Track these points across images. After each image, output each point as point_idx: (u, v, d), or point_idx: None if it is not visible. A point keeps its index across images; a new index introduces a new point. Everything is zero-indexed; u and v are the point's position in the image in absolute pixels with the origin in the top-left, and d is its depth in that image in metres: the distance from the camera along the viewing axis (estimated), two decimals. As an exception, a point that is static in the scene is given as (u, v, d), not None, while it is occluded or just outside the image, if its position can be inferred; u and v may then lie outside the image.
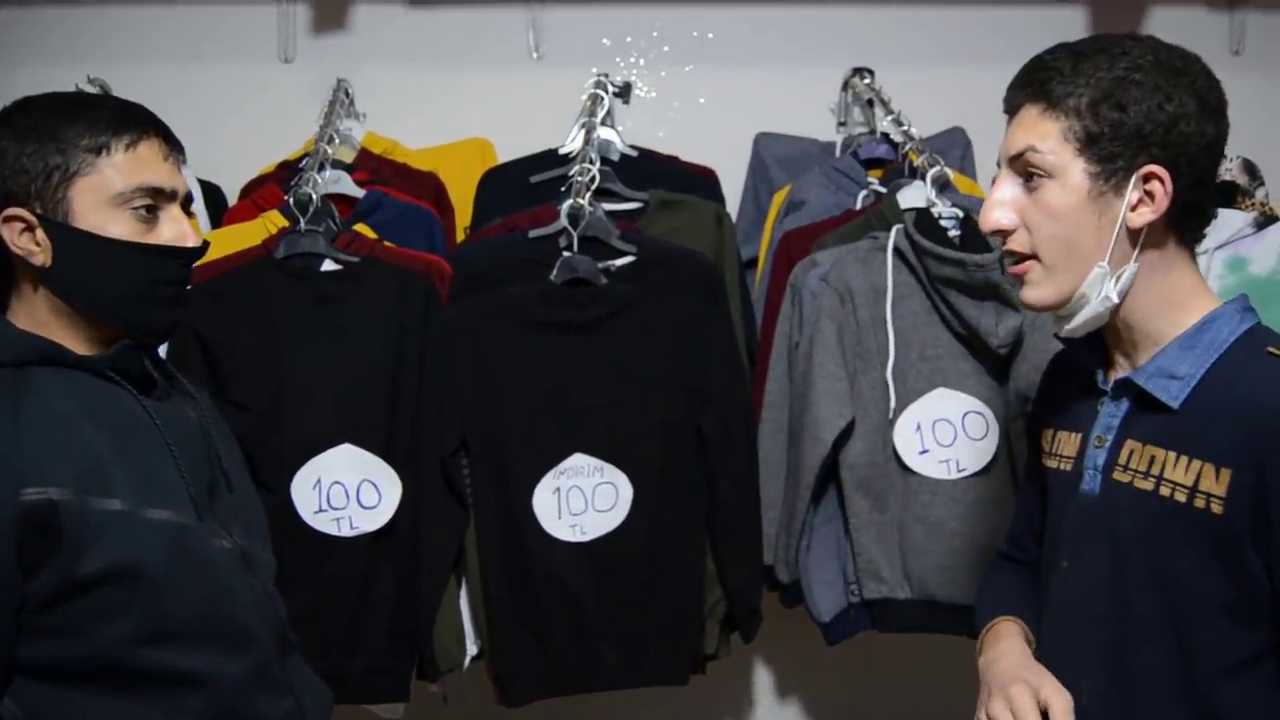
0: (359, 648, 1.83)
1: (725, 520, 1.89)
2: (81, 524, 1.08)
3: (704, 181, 2.13)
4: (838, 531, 1.92)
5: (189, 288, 1.26)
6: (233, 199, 2.14)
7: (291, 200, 1.88)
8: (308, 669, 1.34)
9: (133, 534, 1.11)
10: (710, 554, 1.90)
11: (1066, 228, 1.15)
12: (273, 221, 1.91)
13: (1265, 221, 1.77)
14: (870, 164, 2.16)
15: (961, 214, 1.88)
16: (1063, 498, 1.27)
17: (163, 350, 1.59)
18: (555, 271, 1.84)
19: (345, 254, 1.85)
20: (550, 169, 2.04)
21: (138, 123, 1.19)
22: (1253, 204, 1.80)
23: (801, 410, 1.89)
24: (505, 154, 2.18)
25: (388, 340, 1.83)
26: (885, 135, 2.15)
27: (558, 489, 1.83)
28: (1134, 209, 1.13)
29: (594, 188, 1.90)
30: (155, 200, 1.19)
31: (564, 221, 1.85)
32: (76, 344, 1.19)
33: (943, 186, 1.93)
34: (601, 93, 2.08)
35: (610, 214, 1.91)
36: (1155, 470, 1.15)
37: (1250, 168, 1.87)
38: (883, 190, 2.06)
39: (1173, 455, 1.14)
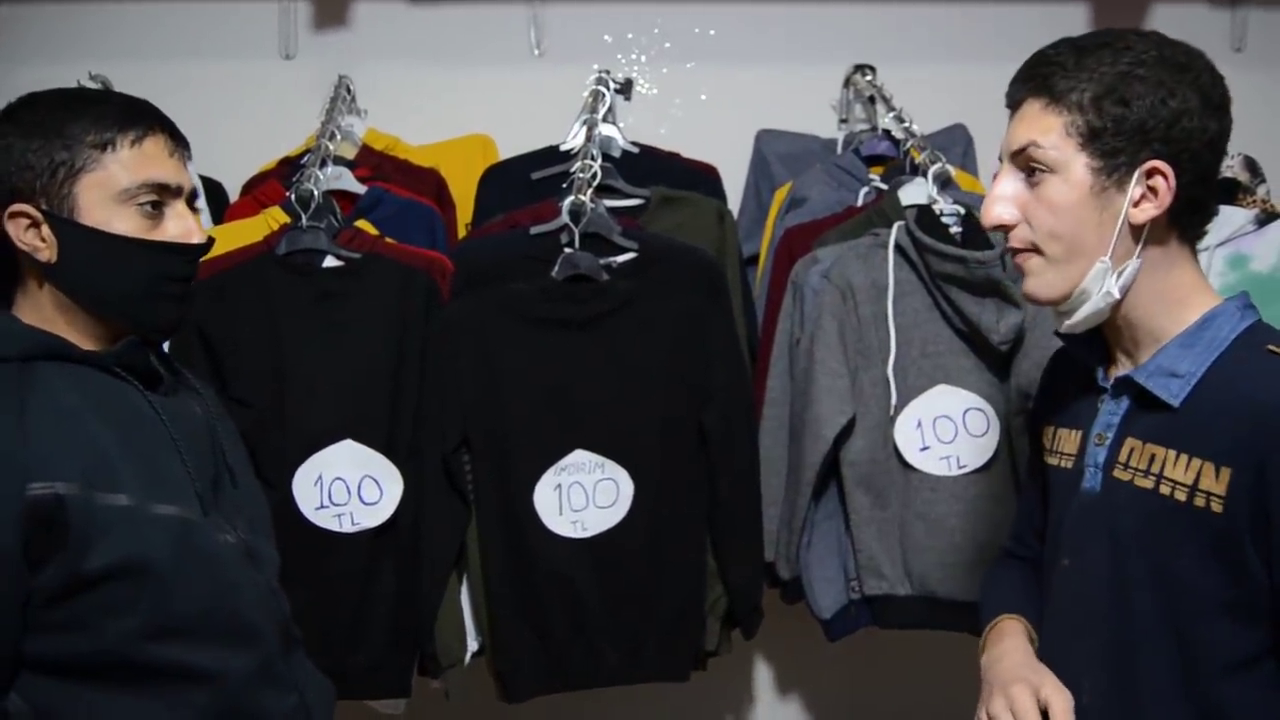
0: (360, 644, 1.83)
1: (726, 517, 1.89)
2: (88, 519, 1.08)
3: (705, 178, 2.13)
4: (839, 528, 1.93)
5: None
6: (234, 195, 2.13)
7: (293, 196, 1.87)
8: (310, 664, 1.34)
9: (139, 529, 1.11)
10: (711, 550, 1.91)
11: (1068, 223, 1.15)
12: (274, 218, 1.91)
13: (1266, 218, 1.77)
14: (872, 161, 2.16)
15: (963, 211, 1.88)
16: (1064, 495, 1.27)
17: (166, 346, 1.59)
18: (557, 268, 1.85)
19: (347, 250, 1.85)
20: (552, 165, 2.04)
21: (143, 118, 1.19)
22: (1254, 201, 1.80)
23: (803, 407, 1.89)
24: (507, 150, 2.17)
25: (389, 336, 1.83)
26: (887, 132, 2.15)
27: (559, 485, 1.83)
28: (1136, 205, 1.13)
29: (595, 184, 1.90)
30: (161, 196, 1.19)
31: (565, 218, 1.85)
32: (82, 340, 1.19)
33: (944, 183, 1.93)
34: (603, 89, 2.08)
35: (612, 210, 1.91)
36: (1156, 469, 1.15)
37: (1252, 165, 1.87)
38: (884, 187, 2.06)
39: (1173, 454, 1.14)
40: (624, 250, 1.88)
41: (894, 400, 1.86)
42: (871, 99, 2.21)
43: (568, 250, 1.85)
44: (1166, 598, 1.13)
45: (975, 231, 1.84)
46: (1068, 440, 1.29)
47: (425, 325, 1.85)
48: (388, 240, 1.90)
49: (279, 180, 2.02)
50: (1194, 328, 1.16)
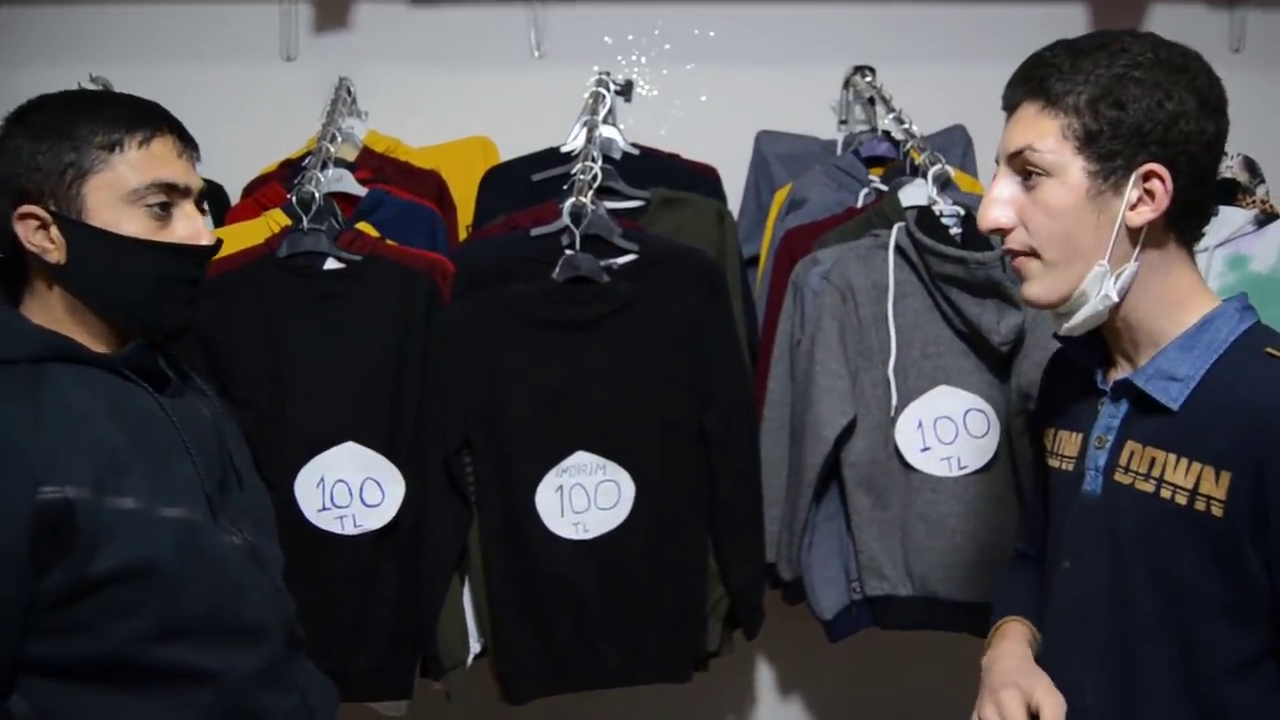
0: (362, 646, 1.83)
1: (727, 518, 1.90)
2: (96, 523, 1.08)
3: (705, 179, 2.13)
4: (840, 529, 1.93)
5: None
6: (235, 198, 2.13)
7: (294, 199, 1.88)
8: (312, 665, 1.35)
9: (146, 532, 1.11)
10: (712, 551, 1.91)
11: (1065, 226, 1.15)
12: (275, 220, 1.92)
13: (1266, 219, 1.77)
14: (871, 162, 2.16)
15: (963, 212, 1.88)
16: (1065, 498, 1.27)
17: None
18: (557, 270, 1.85)
19: (348, 252, 1.85)
20: (552, 167, 2.04)
21: (151, 119, 1.19)
22: (1253, 201, 1.80)
23: (803, 408, 1.89)
24: (507, 152, 2.18)
25: (390, 338, 1.84)
26: (886, 133, 2.15)
27: (560, 487, 1.83)
28: (1133, 208, 1.13)
29: (596, 186, 1.90)
30: (169, 196, 1.19)
31: (566, 220, 1.85)
32: (91, 341, 1.19)
33: (944, 184, 1.93)
34: (603, 91, 2.08)
35: (612, 212, 1.92)
36: (1156, 472, 1.15)
37: (1251, 165, 1.87)
38: (884, 188, 2.06)
39: (1173, 458, 1.13)
40: (625, 252, 1.89)
41: (894, 401, 1.86)
42: (871, 100, 2.21)
43: (568, 252, 1.86)
44: (1167, 600, 1.13)
45: (975, 232, 1.84)
46: (1068, 443, 1.29)
47: (426, 327, 1.85)
48: (389, 242, 1.90)
49: (280, 182, 2.02)
50: (1193, 330, 1.16)
